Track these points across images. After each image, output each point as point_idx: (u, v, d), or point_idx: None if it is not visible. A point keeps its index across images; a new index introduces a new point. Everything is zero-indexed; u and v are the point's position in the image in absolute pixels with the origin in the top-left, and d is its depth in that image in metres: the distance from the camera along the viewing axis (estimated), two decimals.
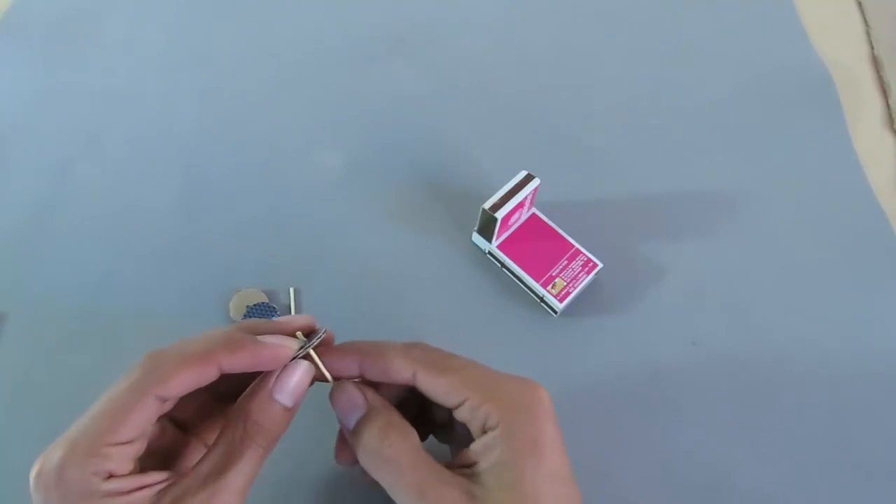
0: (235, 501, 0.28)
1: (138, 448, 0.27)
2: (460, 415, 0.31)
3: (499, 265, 0.52)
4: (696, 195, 0.57)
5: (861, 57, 0.68)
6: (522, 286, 0.51)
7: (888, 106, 0.64)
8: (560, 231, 0.52)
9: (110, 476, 0.26)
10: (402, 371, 0.32)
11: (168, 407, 0.29)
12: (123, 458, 0.26)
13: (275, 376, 0.31)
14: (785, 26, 0.70)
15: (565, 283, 0.50)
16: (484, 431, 0.30)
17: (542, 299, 0.50)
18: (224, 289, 0.50)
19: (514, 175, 0.50)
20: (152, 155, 0.59)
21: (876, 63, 0.67)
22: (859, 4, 0.72)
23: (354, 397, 0.32)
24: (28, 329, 0.49)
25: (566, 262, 0.51)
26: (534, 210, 0.54)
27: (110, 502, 0.25)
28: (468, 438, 0.31)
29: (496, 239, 0.51)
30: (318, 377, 0.33)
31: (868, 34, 0.69)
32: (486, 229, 0.50)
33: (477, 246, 0.54)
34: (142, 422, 0.27)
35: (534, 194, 0.51)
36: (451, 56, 0.66)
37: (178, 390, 0.28)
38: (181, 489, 0.27)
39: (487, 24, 0.69)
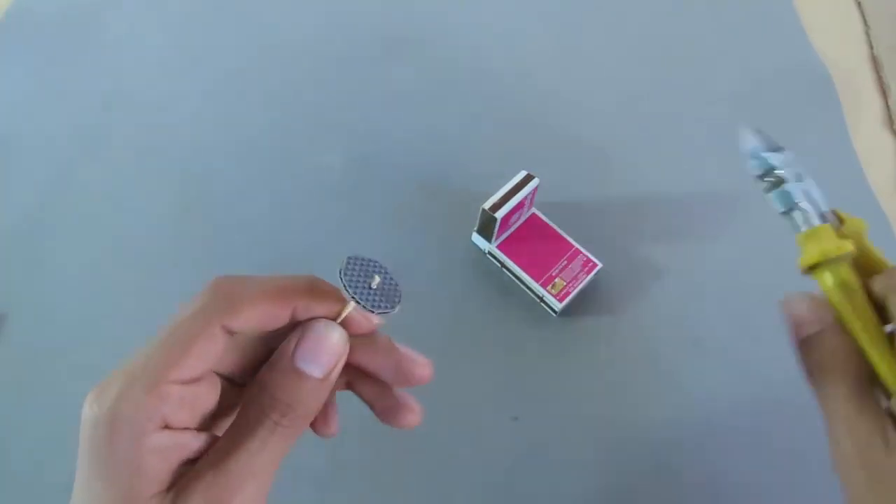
0: (245, 485, 0.23)
1: (200, 394, 0.24)
2: None
3: (498, 265, 0.52)
4: (696, 195, 0.57)
5: (861, 57, 0.68)
6: (522, 286, 0.51)
7: (888, 106, 0.64)
8: (560, 231, 0.52)
9: (165, 426, 0.22)
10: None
11: (230, 348, 0.24)
12: (181, 401, 0.23)
13: (295, 339, 0.25)
14: (785, 26, 0.70)
15: (565, 283, 0.50)
16: None
17: (541, 299, 0.50)
18: None
19: (514, 175, 0.50)
20: (152, 155, 0.59)
21: (876, 63, 0.67)
22: (859, 4, 0.72)
23: (805, 309, 0.32)
24: (28, 329, 0.49)
25: (566, 262, 0.51)
26: (534, 210, 0.54)
27: (151, 459, 0.22)
28: None
29: (496, 239, 0.51)
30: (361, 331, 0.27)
31: (868, 34, 0.69)
32: (486, 229, 0.50)
33: (477, 246, 0.54)
34: (206, 355, 0.23)
35: (534, 194, 0.51)
36: (451, 56, 0.66)
37: (249, 323, 0.24)
38: (197, 466, 0.23)
39: (487, 25, 0.69)
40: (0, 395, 0.47)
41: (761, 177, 0.40)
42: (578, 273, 0.50)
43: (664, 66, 0.66)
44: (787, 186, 0.39)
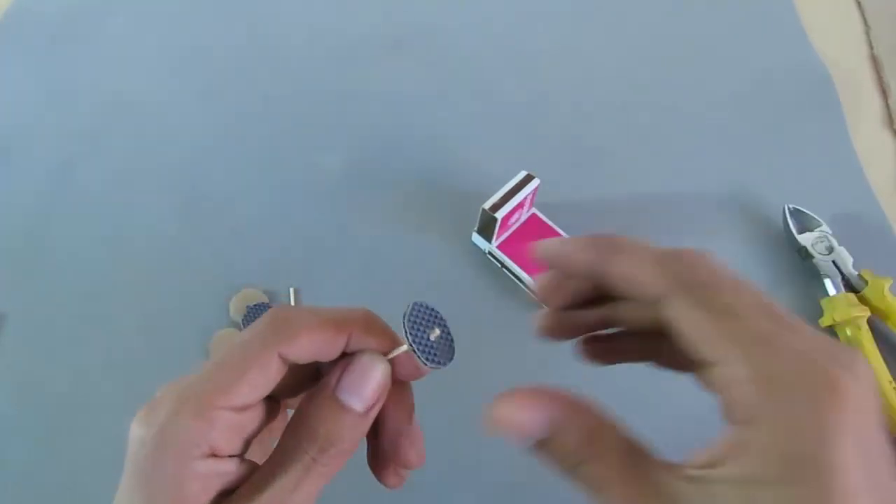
0: None
1: (249, 421, 0.23)
2: (709, 379, 0.21)
3: (499, 265, 0.52)
4: (696, 195, 0.57)
5: (861, 57, 0.68)
6: (522, 286, 0.51)
7: (888, 106, 0.64)
8: (560, 231, 0.52)
9: (212, 453, 0.22)
10: (650, 284, 0.22)
11: (282, 373, 0.24)
12: (230, 429, 0.22)
13: (339, 371, 0.24)
14: (785, 26, 0.70)
15: None
16: (736, 421, 0.19)
17: None
18: (224, 289, 0.50)
19: (514, 175, 0.50)
20: (152, 155, 0.59)
21: (876, 63, 0.67)
22: (859, 4, 0.72)
23: (536, 408, 0.22)
24: (28, 329, 0.49)
25: None
26: (534, 210, 0.54)
27: (194, 485, 0.22)
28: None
29: (496, 239, 0.51)
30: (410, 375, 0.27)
31: (868, 34, 0.69)
32: (486, 229, 0.50)
33: (477, 246, 0.54)
34: (259, 383, 0.23)
35: (534, 194, 0.51)
36: (451, 56, 0.66)
37: (305, 352, 0.24)
38: (233, 498, 0.23)
39: (487, 25, 0.69)
40: (0, 395, 0.47)
41: (798, 251, 0.53)
42: None
43: (664, 66, 0.66)
44: (815, 261, 0.51)
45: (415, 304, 0.25)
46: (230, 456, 0.23)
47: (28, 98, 0.63)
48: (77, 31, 0.68)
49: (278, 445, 0.24)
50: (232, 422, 0.23)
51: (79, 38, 0.67)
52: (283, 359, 0.23)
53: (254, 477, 0.23)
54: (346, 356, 0.25)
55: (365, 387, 0.24)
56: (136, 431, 0.22)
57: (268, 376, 0.23)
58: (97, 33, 0.68)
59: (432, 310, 0.26)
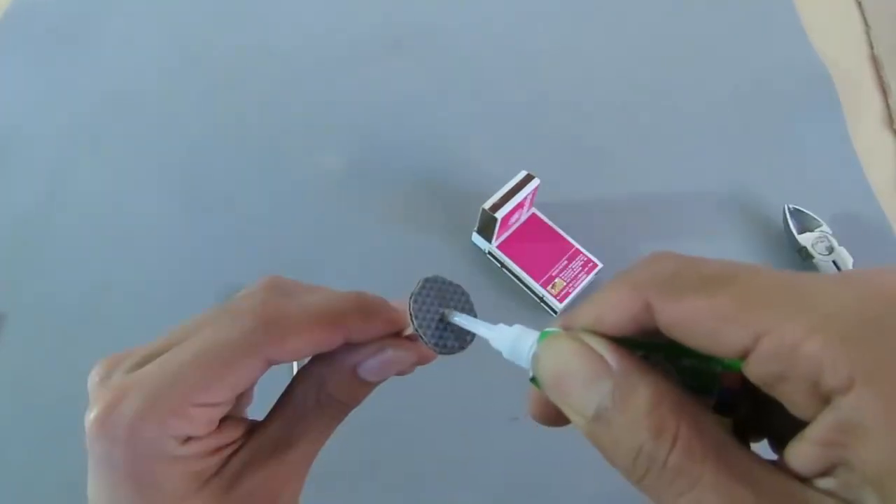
0: (300, 473, 0.24)
1: (225, 410, 0.23)
2: (756, 370, 0.15)
3: (499, 265, 0.52)
4: (696, 195, 0.57)
5: (861, 57, 0.68)
6: (522, 286, 0.51)
7: (888, 106, 0.64)
8: (560, 231, 0.52)
9: (188, 439, 0.22)
10: (623, 306, 0.17)
11: (265, 371, 0.23)
12: (207, 420, 0.22)
13: (363, 353, 0.24)
14: (785, 27, 0.70)
15: (565, 283, 0.50)
16: (825, 401, 0.14)
17: (541, 299, 0.50)
18: (224, 289, 0.50)
19: (514, 175, 0.50)
20: (152, 155, 0.59)
21: (876, 63, 0.67)
22: (859, 4, 0.72)
23: (583, 360, 0.17)
24: (28, 329, 0.49)
25: (566, 262, 0.51)
26: (534, 210, 0.54)
27: (180, 467, 0.21)
28: (789, 421, 0.15)
29: (496, 239, 0.51)
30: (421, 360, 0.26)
31: (868, 34, 0.69)
32: (486, 229, 0.50)
33: (477, 246, 0.54)
34: (240, 384, 0.22)
35: (534, 194, 0.51)
36: (451, 57, 0.66)
37: (295, 355, 0.23)
38: (249, 453, 0.23)
39: (487, 25, 0.69)
40: (0, 395, 0.47)
41: (798, 251, 0.52)
42: (578, 273, 0.50)
43: (664, 66, 0.66)
44: (816, 261, 0.51)
45: (426, 280, 0.23)
46: (209, 434, 0.23)
47: (28, 98, 0.63)
48: (77, 31, 0.68)
49: (293, 404, 0.25)
50: (210, 413, 0.22)
51: (79, 39, 0.67)
52: (269, 360, 0.22)
53: (272, 431, 0.24)
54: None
55: (387, 373, 0.25)
56: (102, 426, 0.21)
57: (251, 377, 0.22)
58: (97, 33, 0.68)
59: (448, 284, 0.24)
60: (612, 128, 0.61)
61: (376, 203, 0.56)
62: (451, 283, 0.24)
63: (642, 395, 0.16)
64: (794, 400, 0.15)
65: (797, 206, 0.54)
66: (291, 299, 0.24)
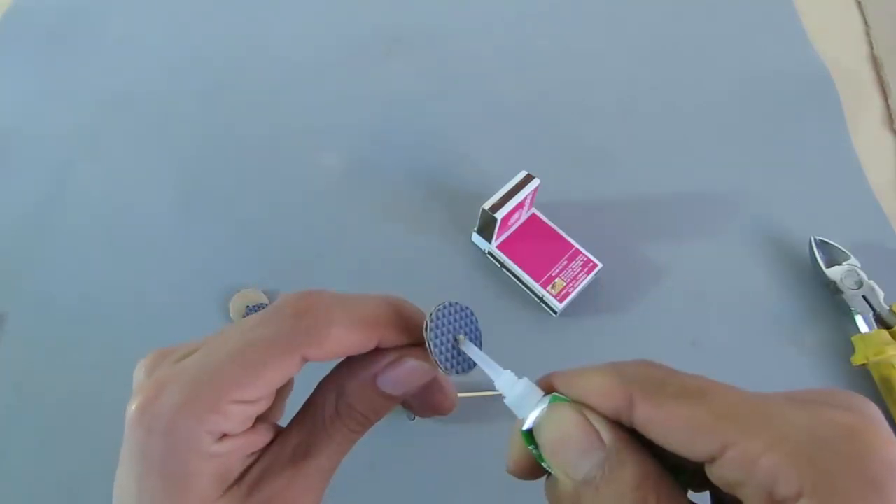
0: (319, 484, 0.24)
1: (261, 408, 0.23)
2: (719, 473, 0.18)
3: (499, 265, 0.52)
4: (696, 195, 0.57)
5: (861, 57, 0.68)
6: (522, 286, 0.51)
7: (888, 106, 0.64)
8: (560, 231, 0.52)
9: (223, 437, 0.22)
10: (610, 395, 0.20)
11: (300, 368, 0.23)
12: (244, 417, 0.22)
13: (384, 363, 0.25)
14: (785, 27, 0.70)
15: (565, 284, 0.50)
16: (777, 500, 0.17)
17: (541, 299, 0.50)
18: (224, 289, 0.50)
19: (514, 175, 0.50)
20: (152, 155, 0.59)
21: (876, 63, 0.67)
22: (859, 5, 0.72)
23: (583, 431, 0.20)
24: (28, 329, 0.50)
25: (566, 262, 0.51)
26: (534, 210, 0.54)
27: (212, 465, 0.22)
28: None
29: (496, 239, 0.51)
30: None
31: (868, 34, 0.69)
32: (486, 229, 0.50)
33: (477, 246, 0.54)
34: (277, 381, 0.22)
35: (534, 194, 0.51)
36: (451, 56, 0.66)
37: (332, 356, 0.23)
38: (269, 461, 0.23)
39: (487, 25, 0.69)
40: (0, 395, 0.47)
41: (827, 285, 0.50)
42: (578, 273, 0.50)
43: (664, 66, 0.66)
44: (845, 296, 0.49)
45: (441, 306, 0.24)
46: (244, 433, 0.23)
47: (28, 98, 0.63)
48: (77, 31, 0.68)
49: (313, 414, 0.25)
50: (247, 411, 0.23)
51: (79, 39, 0.67)
52: (305, 358, 0.23)
53: (292, 440, 0.24)
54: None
55: (407, 385, 0.25)
56: (141, 416, 0.22)
57: (286, 374, 0.23)
58: (97, 34, 0.68)
59: (463, 310, 0.25)
60: (613, 128, 0.61)
61: (376, 203, 0.56)
62: (464, 309, 0.25)
63: (629, 472, 0.19)
64: (751, 502, 0.18)
65: (823, 238, 0.51)
66: (331, 300, 0.24)
